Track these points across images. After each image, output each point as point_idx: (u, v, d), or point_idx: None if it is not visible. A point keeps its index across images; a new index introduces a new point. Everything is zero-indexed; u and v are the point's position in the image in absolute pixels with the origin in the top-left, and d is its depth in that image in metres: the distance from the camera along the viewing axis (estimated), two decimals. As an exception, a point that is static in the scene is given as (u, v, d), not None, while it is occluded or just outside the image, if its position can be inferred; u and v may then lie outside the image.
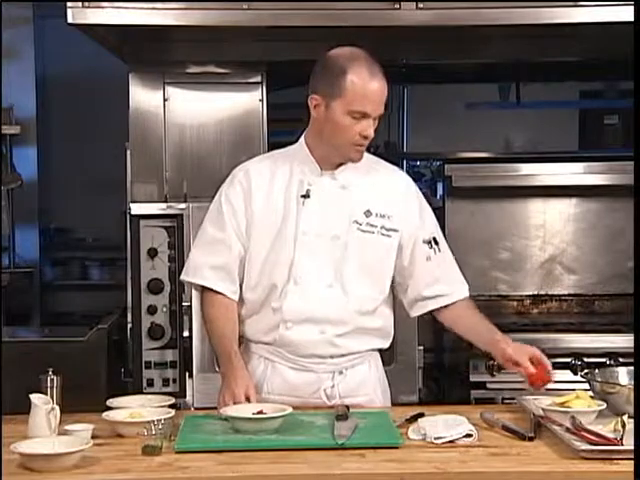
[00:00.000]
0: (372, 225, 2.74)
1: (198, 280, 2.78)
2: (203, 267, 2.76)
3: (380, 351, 2.92)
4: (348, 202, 2.73)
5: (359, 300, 2.74)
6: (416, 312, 2.89)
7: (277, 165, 2.77)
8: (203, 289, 2.79)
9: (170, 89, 4.28)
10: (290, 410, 2.46)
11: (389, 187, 2.80)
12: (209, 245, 2.77)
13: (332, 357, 2.75)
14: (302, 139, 2.78)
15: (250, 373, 2.69)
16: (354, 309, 2.73)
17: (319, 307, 2.71)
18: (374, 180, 2.79)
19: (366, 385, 2.82)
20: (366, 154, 2.79)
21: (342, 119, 2.63)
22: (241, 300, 2.78)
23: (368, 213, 2.74)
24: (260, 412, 2.45)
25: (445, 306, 2.85)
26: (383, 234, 2.75)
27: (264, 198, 2.73)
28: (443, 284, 2.83)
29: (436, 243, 2.82)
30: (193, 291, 3.11)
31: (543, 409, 2.50)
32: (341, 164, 2.74)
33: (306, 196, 2.71)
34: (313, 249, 2.70)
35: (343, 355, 2.76)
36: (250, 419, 2.41)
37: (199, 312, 2.97)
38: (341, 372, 2.77)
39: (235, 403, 2.55)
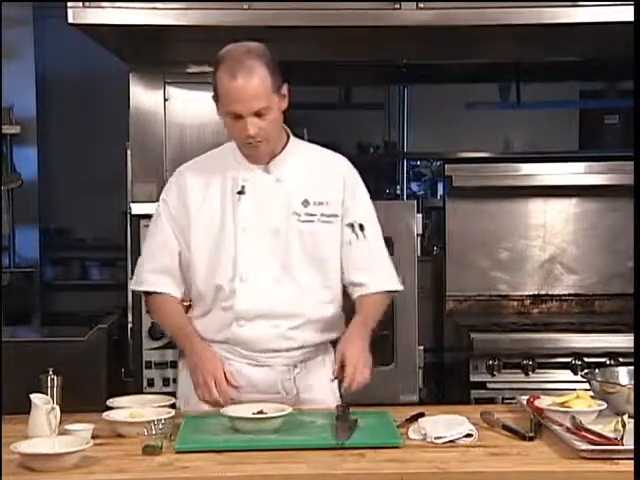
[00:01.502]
0: (311, 214, 2.73)
1: (143, 287, 2.81)
2: (145, 273, 2.80)
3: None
4: (284, 194, 2.72)
5: (310, 291, 2.74)
6: (352, 296, 2.83)
7: (210, 164, 2.79)
8: (146, 294, 2.83)
9: (170, 89, 4.28)
10: (290, 410, 2.46)
11: (325, 173, 2.79)
12: (150, 251, 2.81)
13: (287, 350, 2.75)
14: None
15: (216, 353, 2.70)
16: (305, 301, 2.73)
17: (270, 302, 2.70)
18: (309, 168, 2.78)
19: (323, 382, 2.78)
20: (305, 143, 2.82)
21: (225, 119, 2.65)
22: (191, 301, 2.81)
23: (306, 203, 2.73)
24: (260, 412, 2.44)
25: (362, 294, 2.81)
26: (324, 221, 2.74)
27: (200, 198, 2.74)
28: (367, 272, 2.79)
29: (361, 229, 2.78)
30: None
31: (543, 409, 2.50)
32: (273, 157, 2.73)
33: (241, 192, 2.72)
34: (255, 245, 2.70)
35: (298, 348, 2.76)
36: (250, 419, 2.41)
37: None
38: (296, 365, 2.76)
39: (216, 384, 2.57)
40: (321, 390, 2.78)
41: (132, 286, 2.89)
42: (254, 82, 2.58)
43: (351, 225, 2.78)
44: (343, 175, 2.81)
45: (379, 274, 2.82)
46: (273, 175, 2.74)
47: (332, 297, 2.80)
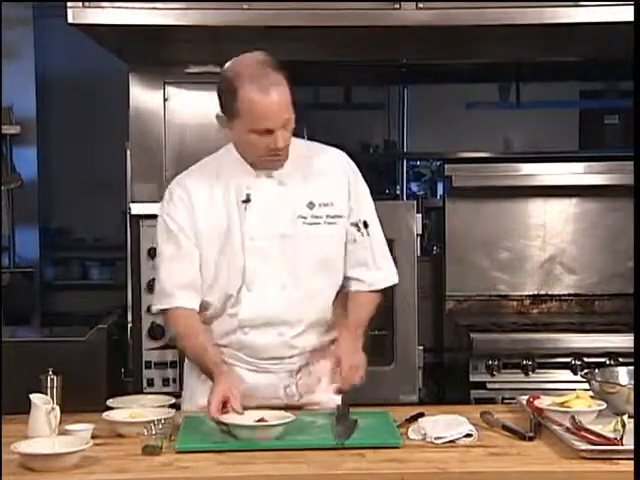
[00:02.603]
0: (317, 216, 2.69)
1: (164, 305, 2.71)
2: (167, 288, 2.70)
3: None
4: (289, 198, 2.68)
5: (315, 295, 2.72)
6: (345, 288, 2.81)
7: (211, 173, 2.71)
8: (164, 310, 2.74)
9: (170, 89, 4.28)
10: (292, 418, 2.43)
11: (327, 172, 2.74)
12: (168, 264, 2.70)
13: (290, 357, 2.73)
14: (230, 144, 2.71)
15: (235, 376, 2.64)
16: (309, 305, 2.71)
17: (275, 310, 2.68)
18: (312, 169, 2.72)
19: (325, 382, 2.77)
20: (300, 141, 2.75)
21: (246, 137, 2.58)
22: (200, 307, 2.72)
23: (311, 205, 2.69)
24: (261, 420, 2.41)
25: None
26: (329, 223, 2.70)
27: (206, 210, 2.67)
28: (367, 269, 2.78)
29: (365, 226, 2.76)
30: None
31: (543, 409, 2.50)
32: None
33: (247, 201, 2.66)
34: (263, 253, 2.66)
35: (300, 354, 2.75)
36: (250, 427, 2.37)
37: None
38: (299, 370, 2.76)
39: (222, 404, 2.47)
40: (324, 390, 2.76)
41: (154, 306, 2.77)
42: (282, 95, 2.53)
43: (356, 224, 2.75)
44: (345, 173, 2.77)
45: (379, 270, 2.80)
46: (276, 179, 2.68)
47: (333, 297, 2.78)
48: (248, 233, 2.66)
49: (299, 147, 2.73)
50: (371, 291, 2.80)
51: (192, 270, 2.69)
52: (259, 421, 2.39)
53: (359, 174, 2.81)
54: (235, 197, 2.67)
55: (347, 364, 2.56)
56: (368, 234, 2.77)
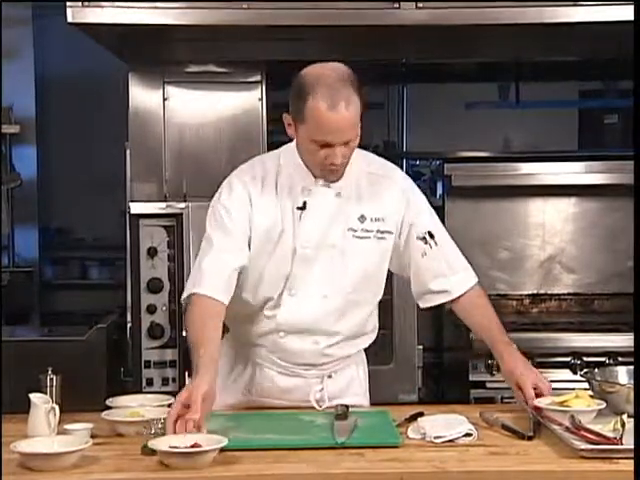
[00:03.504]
0: (367, 230, 2.68)
1: (201, 291, 2.57)
2: (210, 277, 2.59)
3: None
4: (343, 210, 2.67)
5: (355, 307, 2.71)
6: (424, 304, 2.84)
7: (273, 173, 2.68)
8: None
9: (170, 88, 4.28)
10: (225, 441, 2.21)
11: (382, 187, 2.72)
12: (216, 254, 2.62)
13: (323, 364, 2.74)
14: (294, 145, 2.67)
15: (213, 387, 2.38)
16: (348, 318, 2.70)
17: (314, 319, 2.67)
18: (367, 181, 2.71)
19: (354, 385, 2.81)
20: (361, 153, 2.71)
21: (307, 144, 2.55)
22: (236, 304, 2.65)
23: (362, 218, 2.68)
24: (195, 445, 2.18)
25: (453, 299, 2.81)
26: (379, 238, 2.70)
27: (263, 211, 2.65)
28: (445, 278, 2.78)
29: (431, 237, 2.76)
30: None
31: (542, 408, 2.50)
32: None
33: (302, 208, 2.64)
34: (311, 261, 2.65)
35: (333, 361, 2.75)
36: (182, 454, 2.15)
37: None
38: (330, 376, 2.76)
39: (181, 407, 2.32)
40: (353, 393, 2.79)
41: (200, 290, 2.56)
42: (351, 113, 2.48)
43: (422, 238, 2.74)
44: (402, 189, 2.75)
45: (457, 275, 2.81)
46: (333, 189, 2.66)
47: (373, 310, 2.79)
48: (300, 240, 2.63)
49: (360, 159, 2.71)
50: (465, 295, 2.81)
51: (234, 265, 2.60)
52: (193, 446, 2.17)
53: (415, 188, 2.81)
54: (292, 202, 2.65)
55: (530, 384, 2.60)
56: (436, 244, 2.76)
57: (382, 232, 2.70)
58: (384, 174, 2.76)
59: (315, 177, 2.64)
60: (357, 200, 2.69)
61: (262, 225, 2.64)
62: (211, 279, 2.58)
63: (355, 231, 2.67)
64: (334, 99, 2.46)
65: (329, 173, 2.61)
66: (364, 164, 2.74)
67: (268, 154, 2.80)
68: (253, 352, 2.74)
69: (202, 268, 2.61)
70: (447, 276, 2.79)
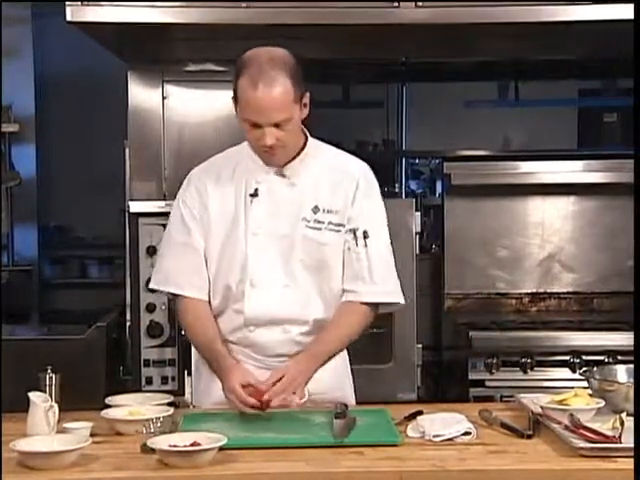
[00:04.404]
0: (319, 221, 2.68)
1: (172, 288, 2.74)
2: (175, 274, 2.73)
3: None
4: (296, 199, 2.69)
5: (317, 297, 2.71)
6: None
7: (227, 166, 2.75)
8: (175, 296, 2.76)
9: (169, 87, 4.28)
10: (225, 441, 2.22)
11: (339, 180, 2.72)
12: (176, 250, 2.74)
13: (297, 354, 2.70)
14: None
15: (242, 365, 2.65)
16: (313, 306, 2.70)
17: (279, 308, 2.68)
18: (325, 173, 2.72)
19: (337, 381, 2.78)
20: (330, 148, 2.76)
21: (242, 124, 2.60)
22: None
23: (316, 209, 2.69)
24: (194, 444, 2.20)
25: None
26: (331, 229, 2.69)
27: (218, 199, 2.71)
28: (358, 281, 2.71)
29: (365, 237, 2.71)
30: None
31: (542, 407, 2.50)
32: (289, 160, 2.68)
33: (254, 195, 2.68)
34: (264, 249, 2.67)
35: None
36: (182, 452, 2.16)
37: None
38: None
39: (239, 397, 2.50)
40: (336, 388, 2.77)
41: (156, 285, 2.77)
42: (276, 94, 2.51)
43: (353, 231, 2.71)
44: (357, 182, 2.73)
45: (374, 285, 2.72)
46: (287, 179, 2.69)
47: (340, 300, 2.73)
48: (251, 228, 2.68)
49: (321, 151, 2.75)
50: (363, 303, 2.72)
51: (199, 261, 2.72)
52: (192, 445, 2.19)
53: (375, 189, 2.78)
54: (244, 190, 2.70)
55: (288, 381, 2.53)
56: (366, 245, 2.71)
57: (335, 224, 2.70)
58: (345, 169, 2.76)
59: (269, 166, 2.69)
60: (313, 191, 2.70)
61: (216, 211, 2.71)
62: (192, 280, 2.72)
63: (308, 221, 2.68)
64: (258, 78, 2.51)
65: (266, 156, 2.65)
66: (327, 155, 2.77)
67: (236, 146, 2.82)
68: (229, 349, 2.73)
69: (168, 266, 2.75)
70: (364, 281, 2.70)
